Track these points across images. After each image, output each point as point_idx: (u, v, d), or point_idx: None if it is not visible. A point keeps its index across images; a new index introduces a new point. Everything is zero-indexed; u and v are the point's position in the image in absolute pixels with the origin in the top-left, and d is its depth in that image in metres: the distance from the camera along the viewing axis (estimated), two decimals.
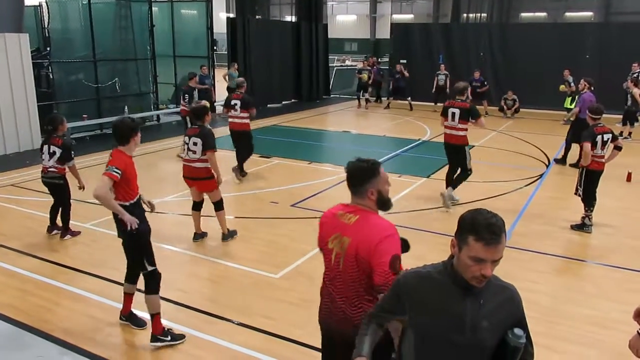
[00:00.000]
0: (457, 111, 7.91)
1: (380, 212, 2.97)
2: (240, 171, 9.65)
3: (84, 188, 6.89)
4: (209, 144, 6.31)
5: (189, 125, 12.62)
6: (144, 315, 4.73)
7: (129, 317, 4.81)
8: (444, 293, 2.12)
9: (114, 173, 4.24)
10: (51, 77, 13.09)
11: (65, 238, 6.82)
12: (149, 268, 4.48)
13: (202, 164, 6.40)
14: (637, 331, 2.96)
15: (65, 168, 6.71)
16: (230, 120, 9.70)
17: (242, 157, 9.68)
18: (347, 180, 2.95)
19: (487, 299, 2.10)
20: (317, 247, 3.12)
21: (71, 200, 6.92)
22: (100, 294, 5.39)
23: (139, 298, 4.73)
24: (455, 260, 2.11)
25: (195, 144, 6.34)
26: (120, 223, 4.37)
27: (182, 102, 11.74)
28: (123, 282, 4.80)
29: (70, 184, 6.88)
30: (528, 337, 2.16)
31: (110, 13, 14.58)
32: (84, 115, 13.33)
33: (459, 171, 8.18)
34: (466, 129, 8.00)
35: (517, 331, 2.08)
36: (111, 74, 14.48)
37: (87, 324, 4.82)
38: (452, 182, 8.21)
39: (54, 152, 6.58)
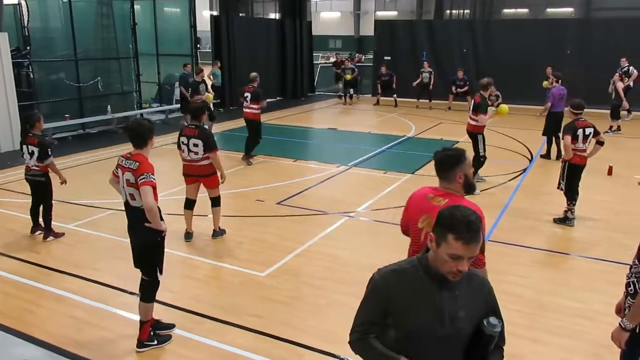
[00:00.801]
0: (472, 103, 9.21)
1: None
2: (248, 157, 10.86)
3: (65, 182, 6.82)
4: (211, 145, 6.48)
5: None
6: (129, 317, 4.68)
7: (154, 327, 4.59)
8: (421, 287, 2.15)
9: (153, 180, 4.17)
10: (32, 76, 12.89)
11: (48, 239, 6.73)
12: (159, 277, 4.43)
13: (206, 161, 6.54)
14: (619, 323, 3.01)
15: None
16: (244, 110, 10.88)
17: (251, 143, 10.92)
18: (435, 167, 3.25)
19: (461, 289, 2.17)
20: (401, 227, 3.47)
21: (53, 201, 6.84)
22: (83, 294, 5.33)
23: (129, 300, 4.69)
24: (432, 254, 2.15)
25: (196, 145, 6.45)
26: (145, 231, 4.23)
27: (188, 95, 12.76)
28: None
29: (53, 184, 6.79)
30: (501, 323, 2.22)
31: (91, 11, 14.40)
32: (65, 115, 13.16)
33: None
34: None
35: (492, 320, 2.15)
36: (93, 73, 14.31)
37: (71, 326, 4.77)
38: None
39: (33, 152, 6.52)
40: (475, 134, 9.13)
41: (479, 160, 9.08)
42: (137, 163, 4.19)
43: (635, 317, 2.92)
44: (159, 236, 4.32)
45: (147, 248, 4.35)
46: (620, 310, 3.19)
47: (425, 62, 18.88)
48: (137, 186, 4.15)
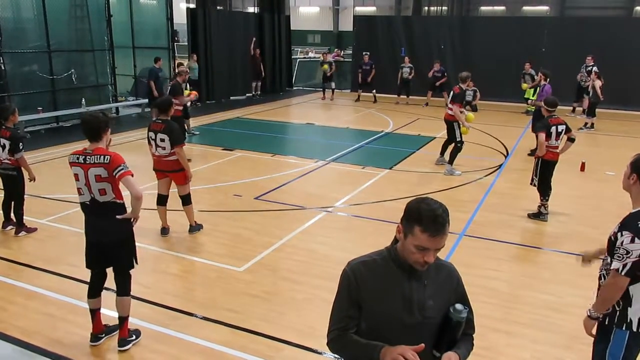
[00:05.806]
0: (451, 93, 9.89)
1: None
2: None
3: (34, 179, 6.68)
4: (177, 140, 6.38)
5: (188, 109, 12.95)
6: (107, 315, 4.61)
7: (106, 332, 4.49)
8: (390, 277, 2.19)
9: (130, 169, 4.12)
10: (3, 68, 12.58)
11: (20, 235, 6.60)
12: (136, 266, 4.40)
13: (174, 156, 6.45)
14: (587, 312, 3.11)
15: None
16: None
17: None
18: None
19: (429, 279, 2.21)
20: None
21: (25, 195, 6.70)
22: (57, 290, 5.25)
23: (105, 296, 4.59)
24: (400, 245, 2.19)
25: (162, 140, 6.36)
26: (118, 225, 4.18)
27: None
28: (88, 298, 4.42)
29: (26, 178, 6.65)
30: (470, 311, 2.26)
31: (65, 2, 14.08)
32: (38, 108, 12.89)
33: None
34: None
35: (459, 306, 2.19)
36: (67, 65, 14.01)
37: (44, 322, 4.69)
38: (445, 151, 10.06)
39: (4, 145, 6.37)
40: (451, 122, 9.78)
41: (456, 147, 9.72)
42: (109, 157, 4.08)
43: (600, 307, 3.02)
44: (130, 227, 4.30)
45: (123, 242, 4.30)
46: (585, 261, 3.33)
47: (405, 58, 18.90)
48: (111, 180, 4.08)
